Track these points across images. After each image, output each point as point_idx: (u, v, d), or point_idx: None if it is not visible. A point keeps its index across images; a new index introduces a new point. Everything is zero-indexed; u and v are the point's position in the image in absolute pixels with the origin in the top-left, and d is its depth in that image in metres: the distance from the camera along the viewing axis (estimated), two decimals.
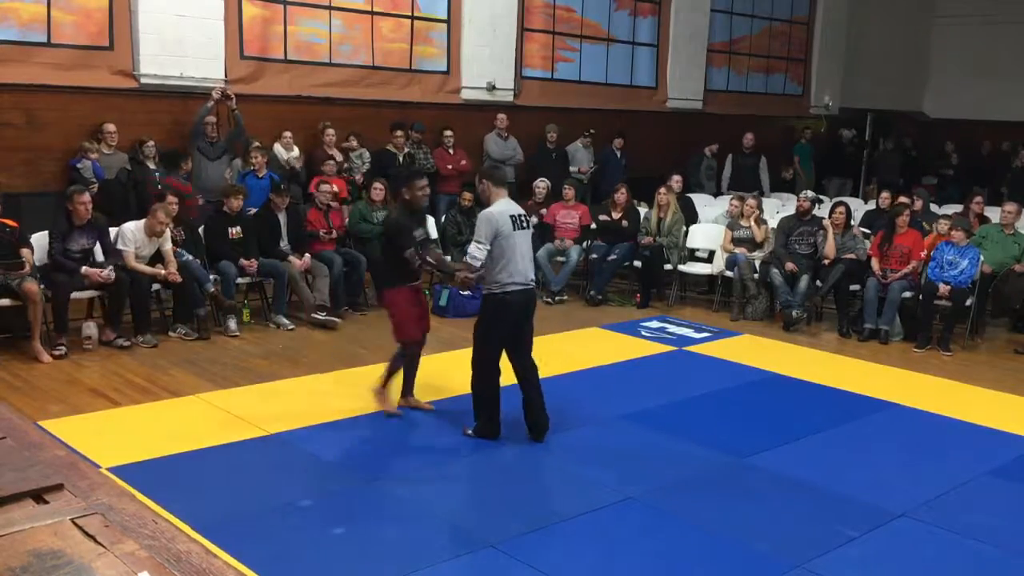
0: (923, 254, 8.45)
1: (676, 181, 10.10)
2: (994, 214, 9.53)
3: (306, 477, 4.88)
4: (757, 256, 9.06)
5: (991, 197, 12.27)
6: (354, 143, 10.02)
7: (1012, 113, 15.38)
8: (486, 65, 11.37)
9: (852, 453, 5.54)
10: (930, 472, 5.26)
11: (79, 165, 8.24)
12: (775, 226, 9.26)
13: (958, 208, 10.43)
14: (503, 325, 5.36)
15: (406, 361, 5.83)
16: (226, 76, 9.28)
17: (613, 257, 9.39)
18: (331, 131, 9.73)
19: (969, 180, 14.33)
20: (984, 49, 16.15)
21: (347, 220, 8.82)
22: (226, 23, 9.31)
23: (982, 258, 8.30)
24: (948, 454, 5.58)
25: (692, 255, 9.87)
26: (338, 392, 6.26)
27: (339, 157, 9.71)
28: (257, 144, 9.03)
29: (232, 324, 7.63)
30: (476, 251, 5.23)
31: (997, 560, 4.25)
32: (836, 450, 5.58)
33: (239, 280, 7.82)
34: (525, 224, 5.44)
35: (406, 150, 10.14)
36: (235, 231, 7.86)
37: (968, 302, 8.19)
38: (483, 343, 5.38)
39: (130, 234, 7.25)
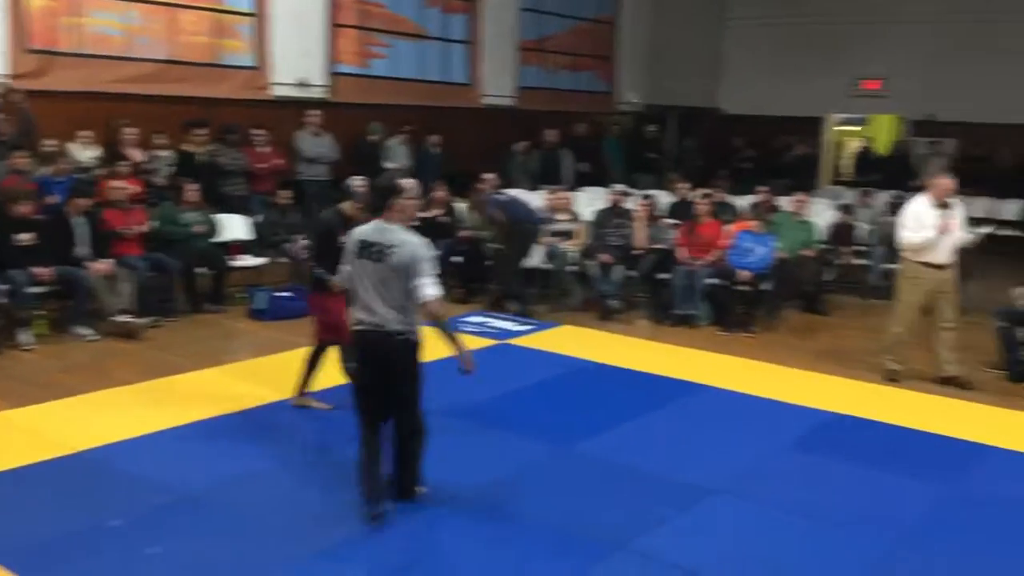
0: (726, 242, 8.95)
1: (489, 179, 10.17)
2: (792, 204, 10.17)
3: (117, 496, 4.58)
4: (573, 248, 9.31)
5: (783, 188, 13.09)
6: (162, 142, 9.48)
7: (796, 108, 16.41)
8: (296, 61, 11.07)
9: (668, 435, 5.79)
10: (739, 448, 5.55)
11: None
12: (589, 219, 9.55)
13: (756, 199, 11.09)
14: None
15: (310, 359, 5.84)
16: (10, 71, 8.58)
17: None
18: (129, 129, 9.17)
19: (765, 173, 15.22)
20: (770, 49, 17.19)
21: (152, 221, 8.36)
22: (9, 13, 8.61)
23: (777, 244, 8.89)
24: (754, 430, 5.90)
25: None
26: (150, 404, 5.92)
27: (139, 157, 9.17)
28: (55, 147, 8.43)
29: (25, 336, 7.09)
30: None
31: (806, 530, 4.50)
32: (653, 433, 5.81)
33: (32, 289, 7.27)
34: None
35: (203, 149, 9.66)
36: (26, 237, 7.30)
37: (765, 286, 8.74)
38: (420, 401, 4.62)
39: None
